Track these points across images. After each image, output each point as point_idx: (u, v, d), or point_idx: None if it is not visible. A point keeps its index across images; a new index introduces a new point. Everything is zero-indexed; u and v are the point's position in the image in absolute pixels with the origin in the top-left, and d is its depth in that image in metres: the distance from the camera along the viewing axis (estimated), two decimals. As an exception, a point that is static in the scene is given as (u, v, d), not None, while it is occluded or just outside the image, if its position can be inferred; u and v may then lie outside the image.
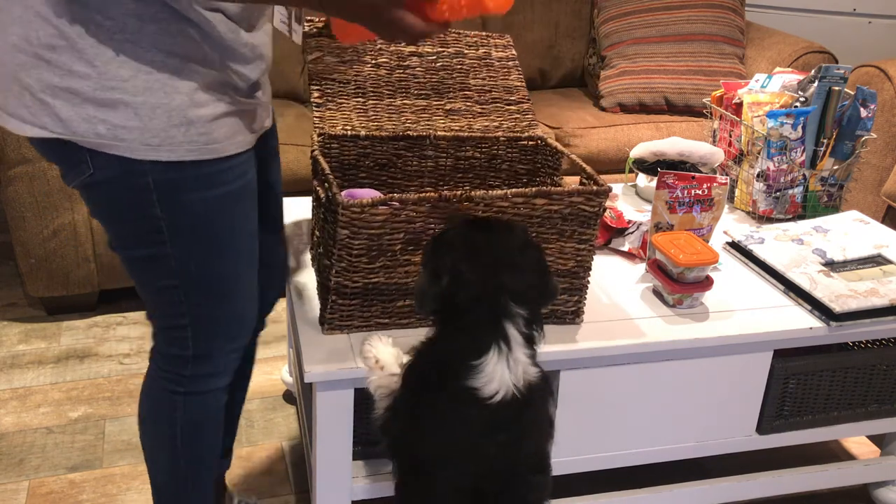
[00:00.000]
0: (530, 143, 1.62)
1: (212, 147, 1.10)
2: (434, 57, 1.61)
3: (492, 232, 1.11)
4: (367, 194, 1.31)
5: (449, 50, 1.61)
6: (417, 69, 1.59)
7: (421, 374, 1.12)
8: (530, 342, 1.08)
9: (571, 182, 1.46)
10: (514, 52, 1.67)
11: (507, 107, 1.63)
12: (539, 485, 1.16)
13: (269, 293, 1.46)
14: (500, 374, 1.04)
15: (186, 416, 1.28)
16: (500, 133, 1.61)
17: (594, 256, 1.38)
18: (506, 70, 1.65)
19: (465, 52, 1.63)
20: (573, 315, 1.41)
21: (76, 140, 1.04)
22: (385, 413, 1.19)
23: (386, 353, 1.21)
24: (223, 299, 1.22)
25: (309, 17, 1.53)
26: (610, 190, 1.32)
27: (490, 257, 1.08)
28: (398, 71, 1.58)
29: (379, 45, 1.57)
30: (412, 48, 1.60)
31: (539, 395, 1.09)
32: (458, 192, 1.25)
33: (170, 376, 1.26)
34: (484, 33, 1.66)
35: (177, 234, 1.13)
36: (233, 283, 1.22)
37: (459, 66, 1.61)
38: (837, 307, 1.46)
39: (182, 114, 1.06)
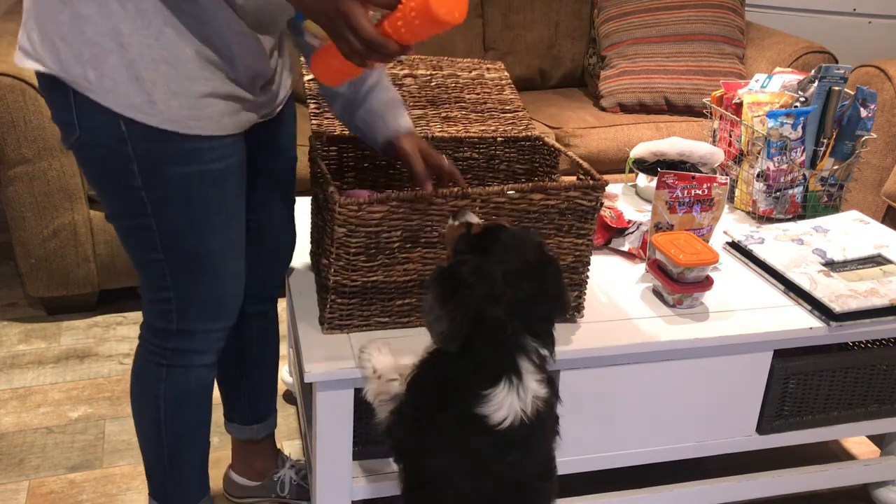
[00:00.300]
0: (527, 142, 1.62)
1: (192, 123, 1.12)
2: (428, 77, 1.63)
3: (508, 256, 1.07)
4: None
5: (443, 72, 1.64)
6: (412, 87, 1.62)
7: (427, 390, 1.12)
8: (542, 368, 1.08)
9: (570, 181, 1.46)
10: (506, 73, 1.70)
11: (503, 114, 1.64)
12: (545, 491, 1.16)
13: (272, 272, 1.50)
14: (509, 403, 1.04)
15: (169, 389, 1.31)
16: (497, 134, 1.61)
17: (593, 255, 1.38)
18: (499, 88, 1.67)
19: (459, 74, 1.66)
20: (573, 310, 1.41)
21: (67, 81, 1.08)
22: (390, 417, 1.19)
23: (383, 362, 1.21)
24: (205, 277, 1.24)
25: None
26: (606, 184, 1.32)
27: (510, 292, 1.05)
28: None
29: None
30: (407, 70, 1.62)
31: (547, 407, 1.10)
32: (455, 189, 1.25)
33: (154, 349, 1.30)
34: (476, 60, 1.70)
35: (157, 206, 1.16)
36: (214, 262, 1.24)
37: (454, 85, 1.64)
38: (837, 307, 1.46)
39: (169, 84, 1.09)
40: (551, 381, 1.12)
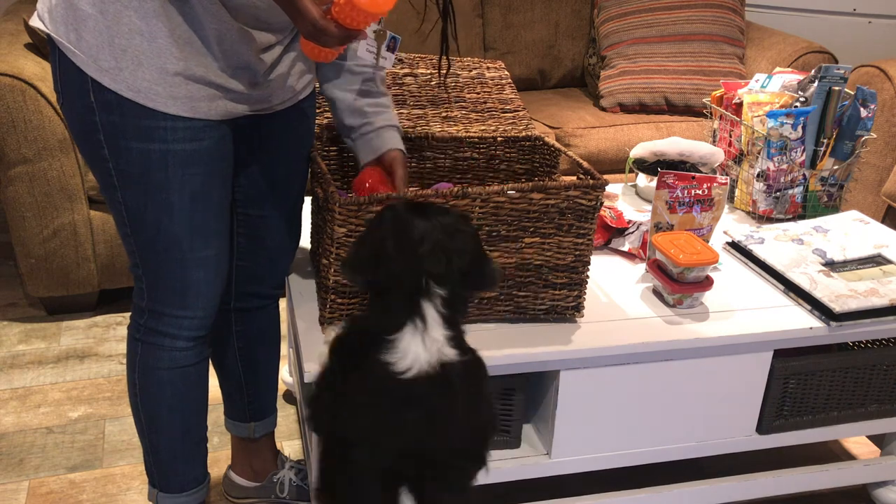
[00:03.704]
0: (528, 142, 1.62)
1: (155, 98, 1.14)
2: (429, 76, 1.63)
3: (426, 215, 1.12)
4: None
5: (443, 72, 1.63)
6: (413, 86, 1.62)
7: (346, 345, 1.15)
8: (451, 324, 1.08)
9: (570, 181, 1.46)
10: (506, 73, 1.70)
11: (503, 114, 1.64)
12: (461, 470, 1.14)
13: (272, 271, 1.51)
14: (413, 351, 1.05)
15: (141, 364, 1.35)
16: (497, 133, 1.61)
17: (593, 255, 1.38)
18: (499, 87, 1.67)
19: (459, 73, 1.66)
20: (573, 310, 1.41)
21: (56, 42, 1.14)
22: (314, 387, 1.20)
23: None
24: (168, 261, 1.26)
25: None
26: (606, 183, 1.33)
27: (416, 237, 1.09)
28: (394, 88, 1.60)
29: None
30: (407, 70, 1.62)
31: (465, 380, 1.09)
32: (455, 188, 1.25)
33: (133, 323, 1.36)
34: (476, 59, 1.70)
35: (123, 181, 1.20)
36: (178, 246, 1.25)
37: (454, 84, 1.64)
38: (837, 307, 1.46)
39: (139, 55, 1.13)
40: (471, 352, 1.12)
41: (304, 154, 1.44)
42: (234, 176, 1.35)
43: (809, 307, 1.51)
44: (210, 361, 1.60)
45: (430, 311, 1.07)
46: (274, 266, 1.51)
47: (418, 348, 1.05)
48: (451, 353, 1.08)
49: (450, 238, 1.10)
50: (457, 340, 1.09)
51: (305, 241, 1.65)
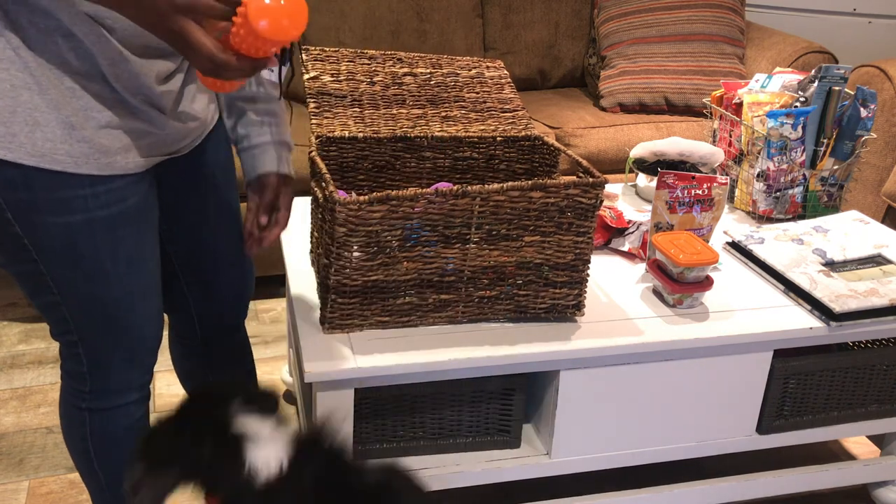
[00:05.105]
0: (527, 142, 1.62)
1: (58, 160, 0.99)
2: (428, 76, 1.63)
3: None
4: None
5: (442, 70, 1.64)
6: (412, 85, 1.61)
7: None
8: None
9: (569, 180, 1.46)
10: (506, 72, 1.70)
11: (502, 114, 1.64)
12: None
13: (230, 307, 1.44)
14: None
15: (94, 432, 1.24)
16: (497, 133, 1.61)
17: (593, 255, 1.38)
18: (499, 87, 1.67)
19: (458, 72, 1.66)
20: (574, 309, 1.41)
21: None
22: None
23: None
24: (110, 325, 1.15)
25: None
26: (606, 182, 1.33)
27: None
28: (393, 87, 1.60)
29: (374, 66, 1.59)
30: (406, 69, 1.62)
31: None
32: (455, 188, 1.25)
33: (73, 391, 1.22)
34: (476, 59, 1.70)
35: (44, 255, 1.06)
36: (119, 310, 1.14)
37: (453, 84, 1.64)
38: (837, 307, 1.46)
39: (30, 113, 0.96)
40: None
41: (232, 185, 1.33)
42: (168, 230, 1.27)
43: (809, 307, 1.51)
44: (186, 392, 1.56)
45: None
46: (232, 303, 1.44)
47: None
48: None
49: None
50: None
51: (305, 241, 1.65)
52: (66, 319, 1.13)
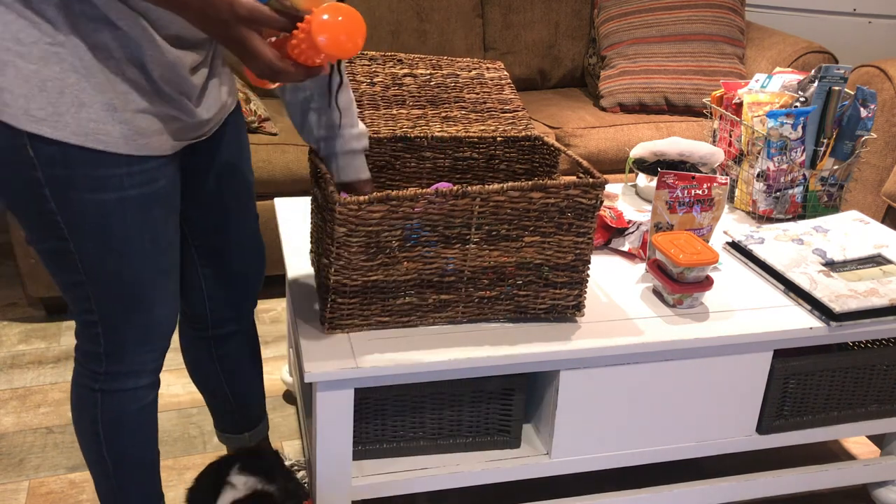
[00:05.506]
0: (527, 142, 1.62)
1: (104, 139, 1.05)
2: (428, 76, 1.63)
3: None
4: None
5: (442, 71, 1.63)
6: (412, 86, 1.61)
7: None
8: None
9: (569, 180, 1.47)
10: (506, 73, 1.70)
11: (503, 114, 1.64)
12: None
13: (242, 293, 1.47)
14: None
15: (105, 414, 1.28)
16: (497, 133, 1.61)
17: (593, 255, 1.38)
18: (499, 87, 1.67)
19: (458, 73, 1.66)
20: (574, 309, 1.41)
21: None
22: None
23: None
24: (132, 302, 1.20)
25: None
26: (606, 182, 1.33)
27: None
28: (393, 88, 1.60)
29: (374, 67, 1.59)
30: (406, 70, 1.62)
31: None
32: (455, 188, 1.25)
33: (87, 372, 1.26)
34: (476, 59, 1.70)
35: (75, 232, 1.11)
36: (141, 288, 1.19)
37: (453, 84, 1.64)
38: (837, 307, 1.46)
39: (78, 94, 1.02)
40: None
41: (247, 166, 1.39)
42: (186, 210, 1.30)
43: (809, 307, 1.51)
44: (194, 383, 1.59)
45: None
46: (245, 287, 1.47)
47: None
48: None
49: None
50: None
51: (305, 241, 1.65)
52: (88, 298, 1.18)
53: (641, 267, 1.64)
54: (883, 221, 2.44)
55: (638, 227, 1.70)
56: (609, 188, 1.99)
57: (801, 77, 1.91)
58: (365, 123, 1.54)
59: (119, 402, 1.28)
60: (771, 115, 1.78)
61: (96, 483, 1.37)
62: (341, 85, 1.15)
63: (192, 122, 1.17)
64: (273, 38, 1.01)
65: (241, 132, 1.37)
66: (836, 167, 1.84)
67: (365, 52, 1.60)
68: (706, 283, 1.49)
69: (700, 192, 1.60)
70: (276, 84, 1.08)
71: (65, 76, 1.01)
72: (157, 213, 1.16)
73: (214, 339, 1.50)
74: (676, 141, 1.92)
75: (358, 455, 1.42)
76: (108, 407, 1.28)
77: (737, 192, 1.93)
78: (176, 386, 2.09)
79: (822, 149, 1.84)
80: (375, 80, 1.59)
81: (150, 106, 1.09)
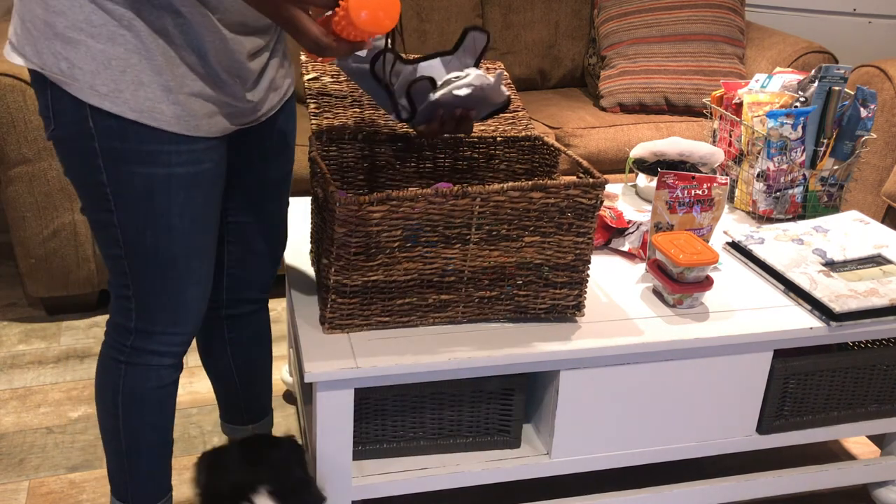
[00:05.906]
0: (527, 142, 1.62)
1: (158, 117, 1.12)
2: None
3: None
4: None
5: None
6: None
7: None
8: None
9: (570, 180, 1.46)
10: (506, 73, 1.69)
11: (502, 114, 1.64)
12: None
13: (262, 275, 1.50)
14: None
15: (126, 386, 1.32)
16: (497, 133, 1.61)
17: (593, 255, 1.38)
18: None
19: None
20: (574, 309, 1.41)
21: (45, 73, 1.10)
22: None
23: None
24: (165, 280, 1.24)
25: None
26: (606, 182, 1.33)
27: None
28: None
29: None
30: None
31: None
32: (455, 188, 1.25)
33: (115, 344, 1.31)
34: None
35: (120, 204, 1.17)
36: (175, 266, 1.24)
37: None
38: (837, 307, 1.46)
39: (139, 74, 1.10)
40: None
41: (292, 154, 1.43)
42: (226, 187, 1.34)
43: (809, 307, 1.51)
44: (204, 368, 1.60)
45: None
46: (264, 269, 1.50)
47: None
48: None
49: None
50: None
51: (306, 241, 1.65)
52: (125, 272, 1.24)
53: (641, 267, 1.64)
54: (883, 221, 2.44)
55: (638, 227, 1.70)
56: (609, 188, 1.99)
57: (801, 77, 1.91)
58: (365, 123, 1.54)
59: (141, 376, 1.31)
60: (771, 115, 1.78)
61: (108, 462, 1.39)
62: (395, 56, 1.23)
63: (244, 107, 1.23)
64: (323, 16, 1.08)
65: (292, 119, 1.41)
66: (836, 167, 1.84)
67: None
68: (706, 283, 1.49)
69: (700, 192, 1.60)
70: (328, 59, 1.17)
71: (128, 56, 1.09)
72: (200, 193, 1.21)
73: (227, 320, 1.52)
74: (676, 141, 1.92)
75: (358, 455, 1.43)
76: (130, 380, 1.31)
77: (737, 192, 1.93)
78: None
79: (822, 149, 1.84)
80: None
81: (204, 90, 1.15)
